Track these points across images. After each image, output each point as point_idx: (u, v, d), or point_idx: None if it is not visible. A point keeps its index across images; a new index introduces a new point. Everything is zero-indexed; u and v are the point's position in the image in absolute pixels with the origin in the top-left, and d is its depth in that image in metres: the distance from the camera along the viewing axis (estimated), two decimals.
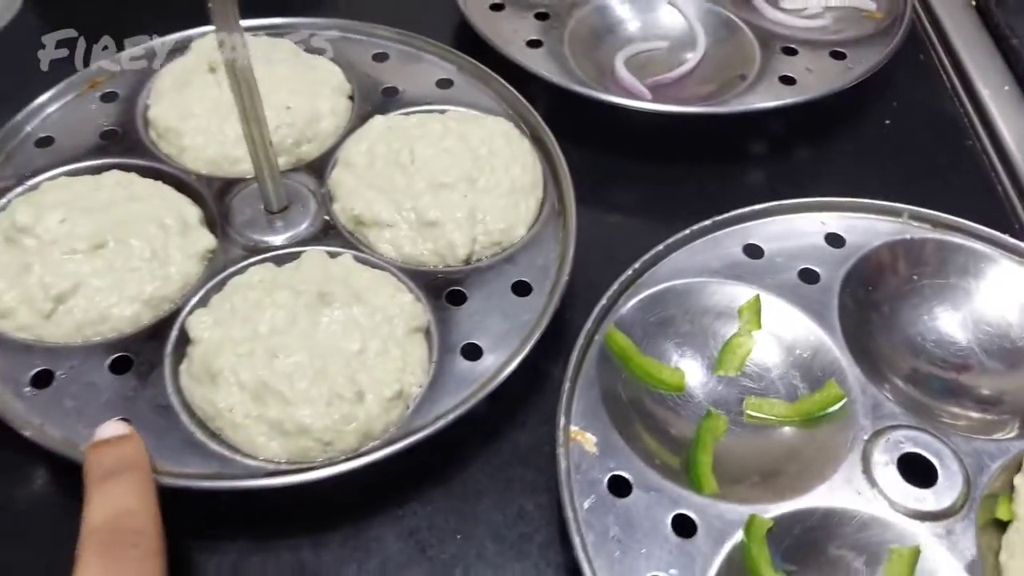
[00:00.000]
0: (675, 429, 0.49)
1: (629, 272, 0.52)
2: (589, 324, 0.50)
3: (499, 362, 0.48)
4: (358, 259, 0.52)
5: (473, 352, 0.49)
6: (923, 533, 0.44)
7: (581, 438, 0.46)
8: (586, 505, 0.44)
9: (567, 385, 0.47)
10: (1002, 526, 0.45)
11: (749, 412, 0.50)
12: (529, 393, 0.52)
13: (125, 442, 0.43)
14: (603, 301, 0.51)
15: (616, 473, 0.45)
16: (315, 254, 0.51)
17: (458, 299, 0.51)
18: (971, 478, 0.46)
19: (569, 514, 0.43)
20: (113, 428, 0.43)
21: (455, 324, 0.50)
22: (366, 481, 0.47)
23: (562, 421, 0.46)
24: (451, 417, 0.46)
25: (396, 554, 0.47)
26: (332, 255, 0.52)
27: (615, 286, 0.52)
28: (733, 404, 0.50)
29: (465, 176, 0.54)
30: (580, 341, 0.49)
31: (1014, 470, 0.46)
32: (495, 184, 0.55)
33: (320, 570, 0.46)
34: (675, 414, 0.50)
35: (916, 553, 0.43)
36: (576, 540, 0.42)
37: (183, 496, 0.45)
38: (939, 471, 0.46)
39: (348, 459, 0.44)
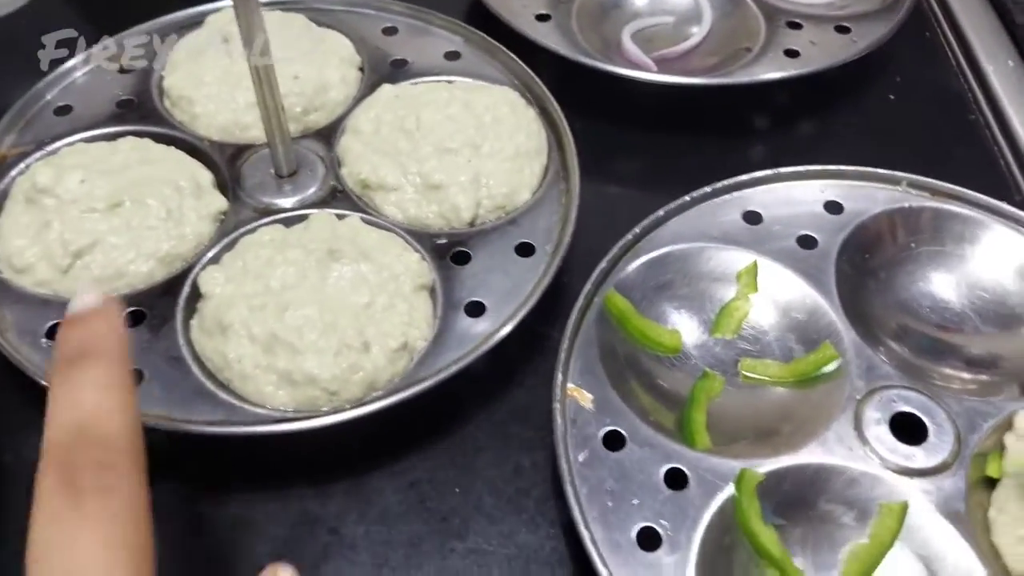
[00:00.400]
0: (671, 388, 0.50)
1: (629, 236, 0.53)
2: (589, 286, 0.51)
3: (501, 319, 0.49)
4: (365, 220, 0.53)
5: (476, 309, 0.50)
6: (913, 489, 0.44)
7: (578, 395, 0.47)
8: (581, 458, 0.45)
9: (565, 343, 0.48)
10: (992, 483, 0.45)
11: (744, 373, 0.51)
12: (528, 354, 0.53)
13: (97, 318, 0.32)
14: (603, 264, 0.52)
15: (611, 428, 0.46)
16: (323, 215, 0.53)
17: (462, 259, 0.53)
18: (962, 436, 0.46)
19: (564, 466, 0.44)
20: (86, 300, 0.33)
21: (459, 282, 0.51)
22: (369, 434, 0.49)
23: (559, 378, 0.47)
24: (453, 370, 0.47)
25: (396, 505, 0.48)
26: (340, 217, 0.53)
27: (615, 250, 0.53)
28: (729, 365, 0.51)
29: (469, 142, 0.56)
30: (580, 302, 0.50)
31: (1005, 429, 0.47)
32: (499, 149, 0.56)
33: (323, 519, 0.47)
34: (671, 374, 0.51)
35: (904, 508, 0.44)
36: (569, 490, 0.43)
37: (192, 445, 0.47)
38: (930, 429, 0.46)
39: (353, 407, 0.45)
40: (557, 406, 0.46)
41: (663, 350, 0.51)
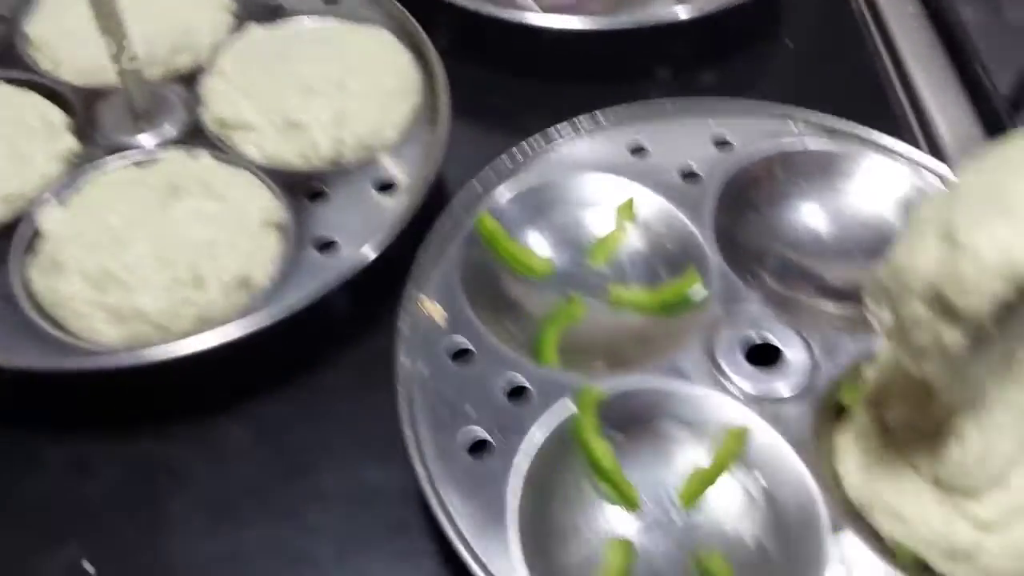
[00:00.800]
0: (535, 312, 0.49)
1: (504, 158, 0.52)
2: (455, 204, 0.49)
3: (353, 256, 0.48)
4: (218, 158, 0.52)
5: (328, 247, 0.49)
6: (760, 415, 0.43)
7: (431, 308, 0.46)
8: (426, 372, 0.44)
9: (421, 255, 0.47)
10: (842, 412, 0.44)
11: (612, 298, 0.49)
12: (390, 292, 0.51)
13: None
14: (475, 184, 0.50)
15: (461, 343, 0.45)
16: (174, 153, 0.52)
17: (319, 196, 0.51)
18: (819, 365, 0.45)
19: (398, 371, 0.43)
20: None
21: (312, 220, 0.50)
22: (217, 375, 0.47)
23: (408, 289, 0.46)
24: (297, 307, 0.45)
25: (244, 447, 0.47)
26: (193, 156, 0.52)
27: (489, 172, 0.51)
28: (596, 290, 0.50)
29: (334, 81, 0.54)
30: (447, 219, 0.49)
31: (865, 361, 0.45)
32: (365, 89, 0.54)
33: (166, 460, 0.46)
34: (539, 298, 0.49)
35: (744, 432, 0.42)
36: (400, 390, 0.42)
37: (23, 383, 0.45)
38: (786, 357, 0.45)
39: (181, 340, 0.44)
40: (405, 317, 0.45)
41: (532, 274, 0.50)
